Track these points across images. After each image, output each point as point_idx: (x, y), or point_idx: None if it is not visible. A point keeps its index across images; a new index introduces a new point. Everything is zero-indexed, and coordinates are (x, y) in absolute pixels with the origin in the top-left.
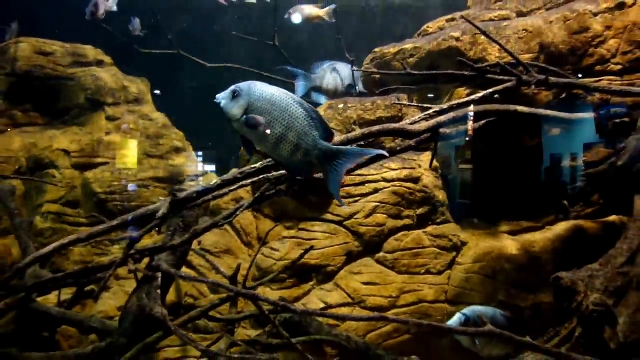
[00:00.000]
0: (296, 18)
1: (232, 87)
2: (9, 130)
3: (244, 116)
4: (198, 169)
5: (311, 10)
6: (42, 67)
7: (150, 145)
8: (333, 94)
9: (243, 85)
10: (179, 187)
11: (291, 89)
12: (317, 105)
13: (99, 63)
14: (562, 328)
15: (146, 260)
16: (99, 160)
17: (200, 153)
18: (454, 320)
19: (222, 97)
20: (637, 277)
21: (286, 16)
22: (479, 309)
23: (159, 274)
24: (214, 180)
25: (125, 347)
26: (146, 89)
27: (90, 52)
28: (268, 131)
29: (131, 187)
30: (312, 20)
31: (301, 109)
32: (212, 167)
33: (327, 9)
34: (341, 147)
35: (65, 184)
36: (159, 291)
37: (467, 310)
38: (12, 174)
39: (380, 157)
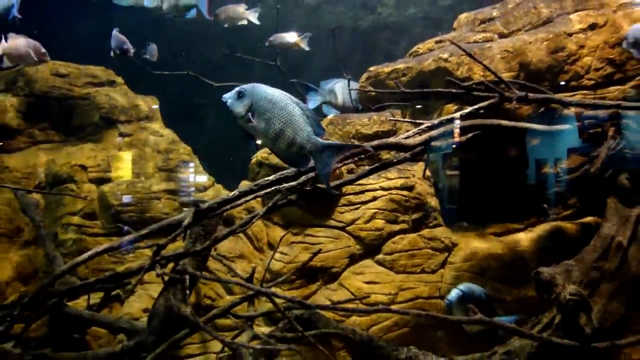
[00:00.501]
0: (277, 45)
1: (238, 88)
2: (29, 147)
3: (248, 114)
4: (205, 181)
5: (290, 38)
6: (58, 88)
7: (161, 160)
8: (342, 108)
9: (247, 87)
10: (199, 199)
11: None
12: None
13: (111, 83)
14: (543, 317)
15: (170, 265)
16: (113, 174)
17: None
18: (452, 295)
19: (229, 97)
20: (609, 271)
21: (267, 44)
22: (471, 286)
23: (186, 277)
24: (222, 191)
25: (154, 344)
26: (156, 107)
27: (103, 73)
28: (266, 126)
29: (126, 198)
30: (290, 47)
31: (297, 108)
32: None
33: (304, 36)
34: (330, 142)
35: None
36: (186, 292)
37: (462, 286)
38: (32, 188)
39: (365, 153)
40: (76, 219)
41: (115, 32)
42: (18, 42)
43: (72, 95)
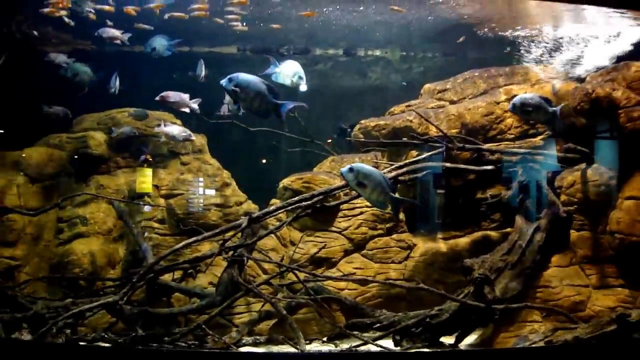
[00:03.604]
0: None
1: (229, 76)
2: (115, 171)
3: (233, 89)
4: (240, 198)
5: (182, 99)
6: (137, 128)
7: (210, 182)
8: None
9: (234, 75)
10: (250, 211)
11: None
12: None
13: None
14: (464, 289)
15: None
16: (177, 191)
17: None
18: (344, 169)
19: (224, 82)
20: (511, 263)
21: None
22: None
23: (244, 259)
24: (252, 205)
25: (220, 302)
26: (204, 142)
27: (168, 117)
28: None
29: (147, 208)
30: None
31: (264, 85)
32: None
33: (194, 100)
34: (281, 102)
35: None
36: (242, 268)
37: (356, 165)
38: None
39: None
40: (151, 223)
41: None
42: (174, 129)
43: (146, 134)
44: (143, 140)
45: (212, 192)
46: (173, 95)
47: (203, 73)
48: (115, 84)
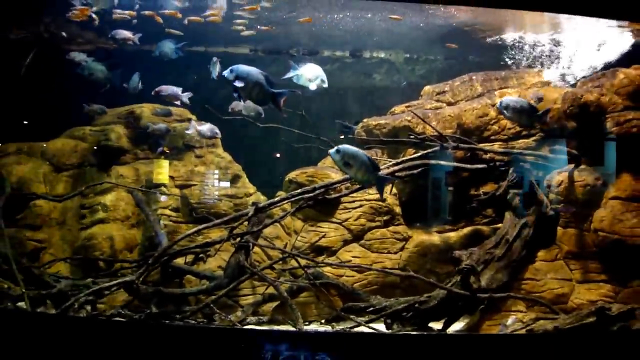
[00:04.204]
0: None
1: (230, 67)
2: (134, 162)
3: (235, 80)
4: (251, 189)
5: (174, 92)
6: (154, 123)
7: (222, 174)
8: None
9: (234, 66)
10: (256, 201)
11: None
12: None
13: (189, 120)
14: (452, 279)
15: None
16: (191, 182)
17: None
18: (332, 150)
19: (226, 73)
20: (498, 255)
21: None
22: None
23: (250, 246)
24: (260, 196)
25: (227, 284)
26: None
27: (183, 112)
28: (242, 85)
29: (163, 198)
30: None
31: (262, 75)
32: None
33: (185, 94)
34: (277, 90)
35: (172, 197)
36: (248, 254)
37: (342, 147)
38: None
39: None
40: (166, 212)
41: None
42: (205, 127)
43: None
44: (168, 135)
45: (224, 183)
46: (166, 89)
47: (217, 71)
48: (137, 82)
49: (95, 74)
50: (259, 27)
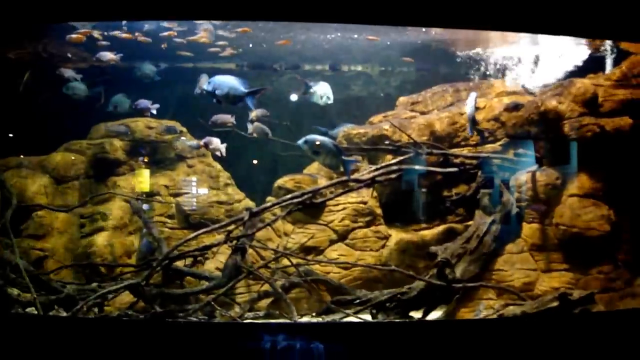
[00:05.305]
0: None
1: (208, 80)
2: (129, 173)
3: (214, 90)
4: (240, 196)
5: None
6: (148, 135)
7: (213, 182)
8: None
9: (211, 79)
10: (250, 207)
11: None
12: None
13: (180, 132)
14: (429, 272)
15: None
16: (184, 191)
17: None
18: (300, 141)
19: (205, 85)
20: (470, 249)
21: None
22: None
23: (245, 247)
24: (249, 202)
25: (225, 284)
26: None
27: (175, 124)
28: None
29: (146, 206)
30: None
31: (235, 81)
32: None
33: (153, 106)
34: (247, 90)
35: (166, 205)
36: (244, 255)
37: (309, 137)
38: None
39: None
40: (162, 219)
41: None
42: (223, 117)
43: (157, 140)
44: (154, 145)
45: (214, 191)
46: (140, 102)
47: (204, 86)
48: (126, 103)
49: (77, 92)
50: (249, 45)
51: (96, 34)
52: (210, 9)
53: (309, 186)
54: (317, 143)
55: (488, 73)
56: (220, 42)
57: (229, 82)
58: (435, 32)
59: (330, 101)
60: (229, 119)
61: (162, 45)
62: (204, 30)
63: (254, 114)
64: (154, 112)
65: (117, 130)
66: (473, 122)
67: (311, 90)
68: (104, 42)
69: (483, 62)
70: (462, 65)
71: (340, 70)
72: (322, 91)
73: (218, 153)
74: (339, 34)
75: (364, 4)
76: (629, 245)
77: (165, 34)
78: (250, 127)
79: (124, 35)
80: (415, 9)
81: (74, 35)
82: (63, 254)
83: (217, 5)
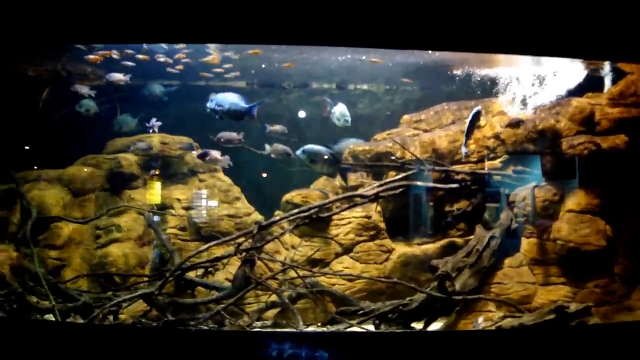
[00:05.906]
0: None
1: (211, 98)
2: (143, 187)
3: (217, 106)
4: (249, 209)
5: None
6: (163, 150)
7: (223, 196)
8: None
9: (214, 96)
10: (259, 220)
11: None
12: None
13: (193, 147)
14: (431, 284)
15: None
16: (195, 204)
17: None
18: (298, 151)
19: (208, 103)
20: (469, 263)
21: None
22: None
23: (254, 259)
24: (258, 216)
25: (235, 294)
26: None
27: (188, 140)
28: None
29: (157, 218)
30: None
31: (236, 98)
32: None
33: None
34: (248, 105)
35: (179, 217)
36: (253, 266)
37: (306, 147)
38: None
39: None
40: (174, 231)
41: None
42: (229, 134)
43: (170, 155)
44: (168, 160)
45: (225, 204)
46: (151, 121)
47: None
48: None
49: (89, 110)
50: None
51: (115, 54)
52: (238, 33)
53: (315, 201)
54: (315, 152)
55: (490, 91)
56: (226, 65)
57: (229, 99)
58: (439, 53)
59: (348, 123)
60: (235, 136)
61: (178, 67)
62: (214, 51)
63: (272, 129)
64: (156, 130)
65: (139, 147)
66: (467, 137)
67: (333, 111)
68: (128, 63)
69: (483, 81)
70: (463, 84)
71: (346, 89)
72: (340, 112)
73: (220, 165)
74: (349, 56)
75: (377, 29)
76: (625, 260)
77: (177, 55)
78: (268, 148)
79: (141, 56)
80: (419, 33)
81: (91, 56)
82: (79, 264)
83: (243, 30)
